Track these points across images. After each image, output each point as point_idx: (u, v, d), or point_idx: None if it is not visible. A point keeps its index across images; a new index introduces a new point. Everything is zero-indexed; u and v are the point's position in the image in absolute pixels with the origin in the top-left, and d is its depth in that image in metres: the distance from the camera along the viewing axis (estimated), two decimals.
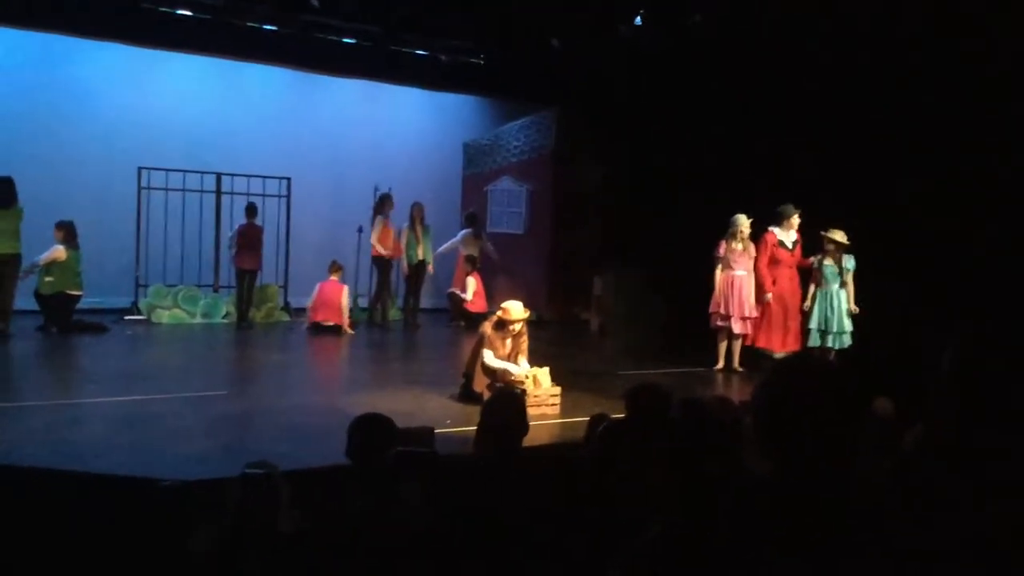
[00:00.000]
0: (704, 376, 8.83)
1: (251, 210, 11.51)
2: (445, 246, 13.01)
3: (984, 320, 6.54)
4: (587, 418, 4.35)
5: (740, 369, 9.00)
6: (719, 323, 9.09)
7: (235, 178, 12.24)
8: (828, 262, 8.59)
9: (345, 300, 11.38)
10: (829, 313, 8.54)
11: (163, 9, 10.85)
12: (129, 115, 12.33)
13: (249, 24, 11.39)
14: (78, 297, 10.31)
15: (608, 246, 12.15)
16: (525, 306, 7.18)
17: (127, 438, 5.52)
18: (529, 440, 3.70)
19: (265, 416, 6.40)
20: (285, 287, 12.46)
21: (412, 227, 12.09)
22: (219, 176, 12.14)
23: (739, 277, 8.98)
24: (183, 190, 12.00)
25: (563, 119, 12.81)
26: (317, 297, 11.35)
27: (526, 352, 7.19)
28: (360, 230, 12.30)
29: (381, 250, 11.80)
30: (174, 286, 11.73)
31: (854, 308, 8.54)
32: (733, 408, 3.31)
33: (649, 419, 3.61)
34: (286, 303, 12.35)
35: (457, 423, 6.08)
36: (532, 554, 2.90)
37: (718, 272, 9.07)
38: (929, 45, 8.11)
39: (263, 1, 10.87)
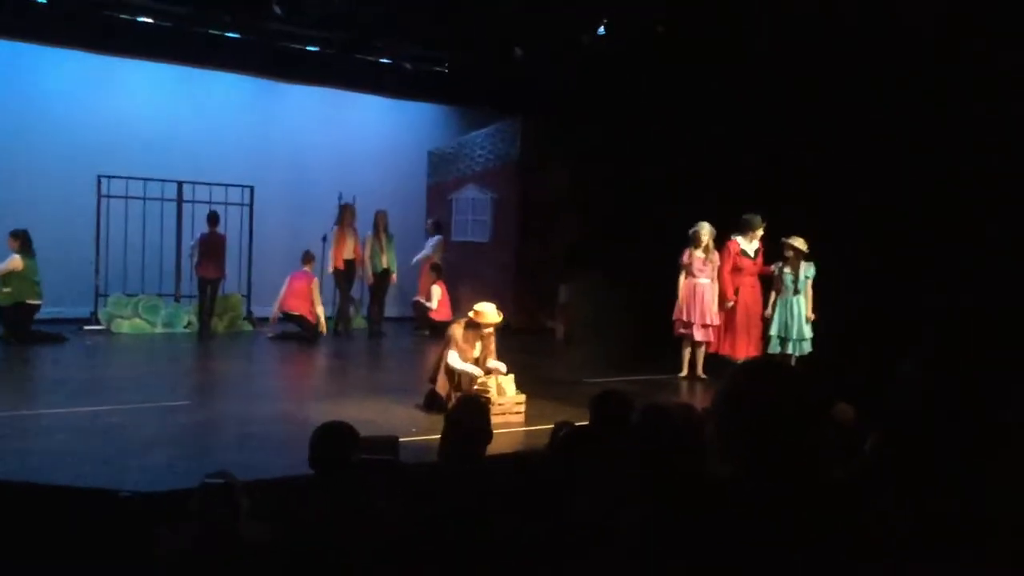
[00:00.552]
0: (668, 383, 8.91)
1: (213, 219, 11.42)
2: (420, 256, 13.03)
3: (948, 325, 6.69)
4: (551, 426, 4.37)
5: (704, 376, 9.07)
6: (682, 330, 9.17)
7: (197, 186, 12.05)
8: (787, 270, 8.67)
9: (315, 292, 11.39)
10: (789, 320, 8.63)
11: (124, 16, 10.70)
12: (89, 122, 12.11)
13: (211, 31, 11.28)
14: (37, 307, 10.15)
15: (573, 254, 12.19)
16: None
17: (87, 449, 5.46)
18: (493, 448, 3.71)
19: (228, 426, 6.36)
20: (248, 296, 12.34)
21: (376, 235, 12.10)
22: (180, 184, 11.99)
23: (702, 285, 9.06)
24: (144, 198, 11.80)
25: (528, 128, 12.85)
26: (287, 287, 11.40)
27: (494, 354, 7.22)
28: (324, 239, 12.25)
29: (338, 264, 11.88)
30: (135, 295, 11.55)
31: (811, 315, 8.64)
32: (695, 414, 3.34)
33: (611, 425, 3.64)
34: (249, 312, 12.24)
35: (422, 431, 6.09)
36: (495, 560, 2.90)
37: (682, 280, 9.15)
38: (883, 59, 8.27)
39: (226, 9, 10.78)
